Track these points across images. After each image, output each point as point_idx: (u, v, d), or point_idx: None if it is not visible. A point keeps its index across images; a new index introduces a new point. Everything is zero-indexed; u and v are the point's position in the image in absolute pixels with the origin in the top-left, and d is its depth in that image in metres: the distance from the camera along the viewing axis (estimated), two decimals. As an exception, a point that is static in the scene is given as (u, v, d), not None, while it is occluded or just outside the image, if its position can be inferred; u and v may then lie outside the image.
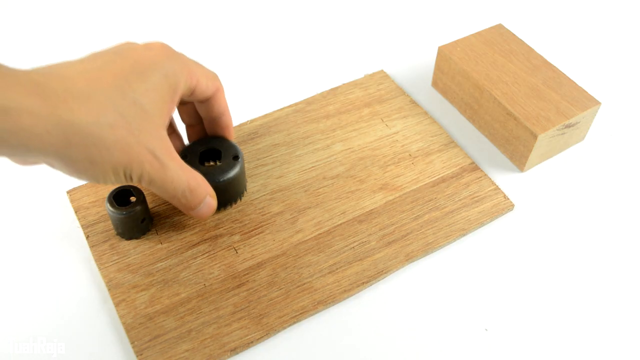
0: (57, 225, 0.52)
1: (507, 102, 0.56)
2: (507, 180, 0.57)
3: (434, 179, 0.55)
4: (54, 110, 0.35)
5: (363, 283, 0.48)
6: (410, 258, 0.50)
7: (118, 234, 0.50)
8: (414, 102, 0.62)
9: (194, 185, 0.44)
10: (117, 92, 0.38)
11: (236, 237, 0.50)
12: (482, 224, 0.53)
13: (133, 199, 0.49)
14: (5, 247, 0.50)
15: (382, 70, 0.65)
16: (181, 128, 0.53)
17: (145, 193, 0.52)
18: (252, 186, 0.54)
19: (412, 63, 0.68)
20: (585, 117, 0.57)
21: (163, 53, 0.42)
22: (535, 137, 0.54)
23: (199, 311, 0.46)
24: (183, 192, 0.43)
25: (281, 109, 0.61)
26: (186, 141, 0.53)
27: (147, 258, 0.49)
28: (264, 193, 0.54)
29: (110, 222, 0.50)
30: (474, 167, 0.56)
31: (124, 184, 0.40)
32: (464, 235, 0.52)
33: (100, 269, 0.48)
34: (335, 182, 0.55)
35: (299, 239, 0.50)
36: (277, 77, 0.66)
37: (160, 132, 0.41)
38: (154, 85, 0.40)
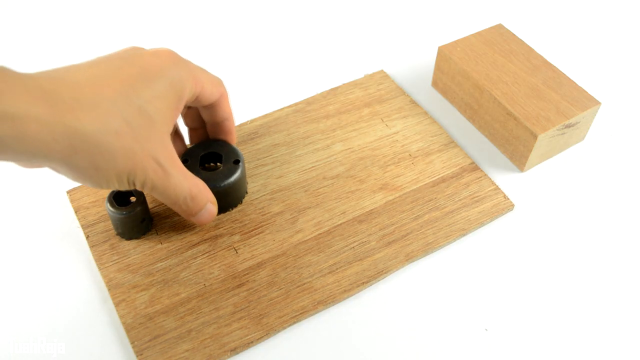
0: (57, 225, 0.52)
1: (507, 102, 0.56)
2: (507, 180, 0.57)
3: (434, 179, 0.55)
4: (61, 118, 0.35)
5: (363, 283, 0.48)
6: (410, 258, 0.50)
7: (118, 234, 0.50)
8: (414, 102, 0.62)
9: (195, 192, 0.44)
10: (123, 98, 0.38)
11: (236, 237, 0.50)
12: (482, 224, 0.53)
13: (133, 199, 0.49)
14: (5, 247, 0.50)
15: (382, 70, 0.65)
16: (184, 130, 0.53)
17: (145, 193, 0.52)
18: (252, 186, 0.54)
19: (412, 63, 0.68)
20: (585, 117, 0.57)
21: (169, 60, 0.43)
22: (535, 137, 0.54)
23: (199, 311, 0.46)
24: (185, 199, 0.44)
25: (281, 109, 0.61)
26: (187, 142, 0.53)
27: (147, 258, 0.49)
28: (264, 193, 0.54)
29: (110, 222, 0.50)
30: (474, 167, 0.56)
31: (127, 189, 0.41)
32: (464, 235, 0.52)
33: (100, 269, 0.48)
34: (335, 182, 0.55)
35: (299, 239, 0.51)
36: (277, 77, 0.66)
37: (165, 139, 0.41)
38: (160, 93, 0.41)
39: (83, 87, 0.37)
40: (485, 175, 0.56)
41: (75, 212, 0.52)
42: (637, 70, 0.69)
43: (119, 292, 0.47)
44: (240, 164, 0.50)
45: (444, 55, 0.61)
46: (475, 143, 0.60)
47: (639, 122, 0.63)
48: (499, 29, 0.64)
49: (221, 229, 0.51)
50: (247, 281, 0.48)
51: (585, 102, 0.56)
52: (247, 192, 0.53)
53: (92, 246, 0.49)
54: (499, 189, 0.55)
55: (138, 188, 0.41)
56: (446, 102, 0.64)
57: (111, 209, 0.47)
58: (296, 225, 0.51)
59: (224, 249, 0.50)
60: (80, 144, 0.36)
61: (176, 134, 0.50)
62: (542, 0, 0.78)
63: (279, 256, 0.49)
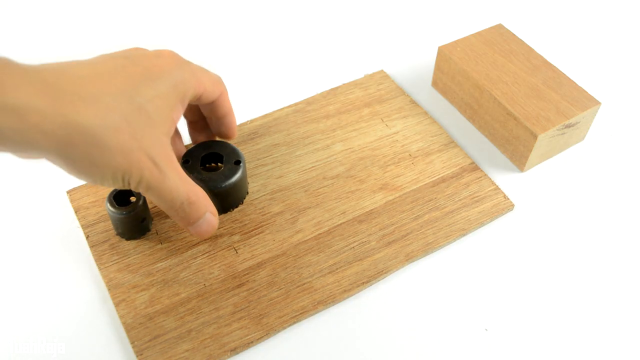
0: (57, 225, 0.52)
1: (507, 102, 0.56)
2: (507, 180, 0.57)
3: (434, 179, 0.55)
4: (61, 110, 0.35)
5: (363, 283, 0.48)
6: (410, 258, 0.50)
7: (118, 234, 0.50)
8: (414, 102, 0.62)
9: (193, 199, 0.43)
10: (124, 97, 0.38)
11: (236, 237, 0.50)
12: (482, 224, 0.53)
13: (133, 199, 0.49)
14: (5, 247, 0.50)
15: (382, 70, 0.65)
16: (184, 133, 0.53)
17: (145, 193, 0.52)
18: (252, 186, 0.54)
19: (412, 63, 0.68)
20: (585, 117, 0.57)
21: (173, 62, 0.43)
22: (535, 137, 0.54)
23: (199, 311, 0.46)
24: (182, 203, 0.42)
25: (281, 109, 0.61)
26: (186, 136, 0.53)
27: (147, 258, 0.49)
28: (264, 193, 0.54)
29: (110, 222, 0.50)
30: (474, 167, 0.56)
31: (122, 188, 0.40)
32: (464, 235, 0.52)
33: (100, 269, 0.48)
34: (335, 182, 0.55)
35: (299, 239, 0.51)
36: (277, 77, 0.66)
37: (163, 140, 0.41)
38: (162, 94, 0.41)
39: (85, 81, 0.37)
40: (485, 175, 0.56)
41: (75, 212, 0.52)
42: (637, 70, 0.69)
43: (119, 292, 0.47)
44: (241, 164, 0.50)
45: (444, 55, 0.61)
46: (475, 143, 0.60)
47: (639, 122, 0.63)
48: (499, 29, 0.64)
49: (221, 229, 0.51)
50: (247, 281, 0.48)
51: (585, 102, 0.56)
52: (247, 193, 0.53)
53: (92, 246, 0.49)
54: (499, 189, 0.55)
55: (133, 188, 0.40)
56: (446, 102, 0.64)
57: (111, 209, 0.47)
58: (296, 225, 0.51)
59: (224, 249, 0.50)
60: (78, 137, 0.36)
61: (176, 134, 0.50)
62: (542, 0, 0.78)
63: (279, 256, 0.49)
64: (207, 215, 0.44)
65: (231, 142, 0.57)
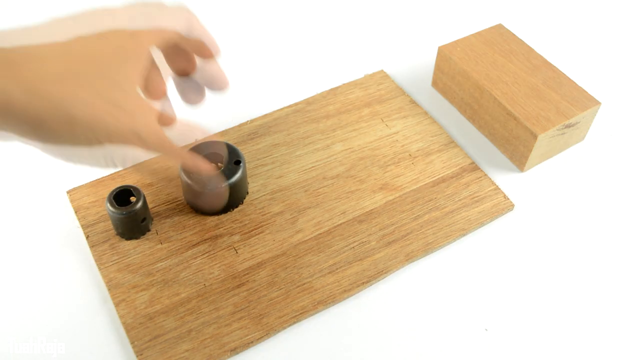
0: (57, 225, 0.52)
1: (507, 102, 0.56)
2: (507, 180, 0.57)
3: (434, 179, 0.55)
4: (29, 88, 0.34)
5: (363, 283, 0.48)
6: (410, 258, 0.50)
7: (118, 234, 0.50)
8: (414, 102, 0.62)
9: (187, 157, 0.41)
10: (95, 72, 0.37)
11: (236, 237, 0.50)
12: (482, 224, 0.53)
13: (133, 199, 0.49)
14: (5, 247, 0.50)
15: (382, 70, 0.65)
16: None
17: (145, 193, 0.52)
18: (252, 186, 0.54)
19: (412, 63, 0.68)
20: (585, 117, 0.57)
21: (148, 40, 0.41)
22: (535, 137, 0.54)
23: (199, 311, 0.46)
24: (167, 165, 0.41)
25: (281, 109, 0.61)
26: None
27: (147, 258, 0.49)
28: (264, 193, 0.54)
29: (110, 222, 0.50)
30: (474, 167, 0.56)
31: (103, 166, 0.39)
32: (464, 235, 0.52)
33: (100, 269, 0.48)
34: (335, 182, 0.55)
35: (299, 239, 0.50)
36: (277, 77, 0.66)
37: (142, 109, 0.39)
38: (136, 70, 0.39)
39: (55, 61, 0.36)
40: (485, 175, 0.56)
41: (75, 212, 0.52)
42: (637, 70, 0.69)
43: (119, 292, 0.47)
44: (241, 164, 0.50)
45: (444, 55, 0.61)
46: (475, 143, 0.60)
47: (639, 122, 0.63)
48: (499, 29, 0.64)
49: (221, 229, 0.51)
50: (247, 281, 0.48)
51: (585, 102, 0.56)
52: (247, 193, 0.53)
53: (92, 246, 0.49)
54: (499, 189, 0.55)
55: (115, 164, 0.39)
56: (446, 102, 0.64)
57: (111, 209, 0.47)
58: (296, 225, 0.51)
59: (224, 249, 0.50)
60: (48, 114, 0.35)
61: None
62: (542, 0, 0.78)
63: (279, 256, 0.49)
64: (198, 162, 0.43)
65: (231, 142, 0.57)
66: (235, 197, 0.52)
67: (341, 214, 0.52)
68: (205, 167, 0.43)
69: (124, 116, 0.38)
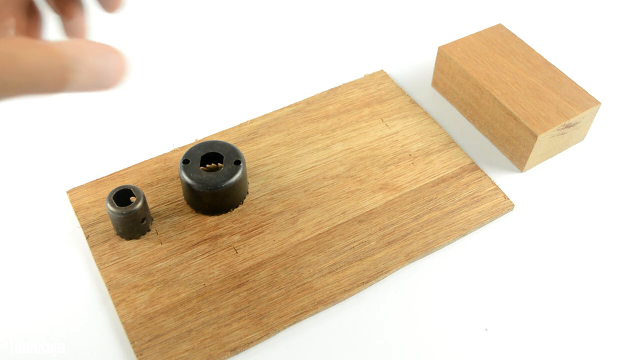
0: (57, 225, 0.52)
1: (507, 102, 0.56)
2: (507, 180, 0.57)
3: (434, 179, 0.55)
4: None
5: (363, 283, 0.48)
6: (410, 258, 0.50)
7: (118, 234, 0.50)
8: (414, 102, 0.62)
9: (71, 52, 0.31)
10: None
11: (236, 237, 0.50)
12: (482, 224, 0.53)
13: (133, 199, 0.49)
14: (5, 247, 0.50)
15: (382, 70, 0.65)
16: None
17: (145, 193, 0.52)
18: (252, 186, 0.54)
19: (412, 63, 0.68)
20: (585, 117, 0.57)
21: None
22: (535, 137, 0.54)
23: (199, 311, 0.46)
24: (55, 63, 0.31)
25: (281, 109, 0.61)
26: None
27: (147, 258, 0.49)
28: (264, 193, 0.54)
29: (110, 222, 0.50)
30: (474, 167, 0.56)
31: None
32: (464, 235, 0.52)
33: (100, 269, 0.48)
34: (335, 182, 0.55)
35: (299, 239, 0.51)
36: (277, 77, 0.66)
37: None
38: None
39: None
40: (485, 175, 0.56)
41: (75, 212, 0.52)
42: (637, 70, 0.69)
43: (119, 292, 0.47)
44: (242, 164, 0.50)
45: (444, 55, 0.61)
46: (475, 143, 0.60)
47: (639, 122, 0.63)
48: (499, 29, 0.64)
49: (221, 229, 0.51)
50: (247, 281, 0.48)
51: (585, 102, 0.56)
52: (247, 192, 0.54)
53: (92, 246, 0.49)
54: (499, 189, 0.55)
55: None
56: (446, 102, 0.64)
57: (111, 208, 0.47)
58: (296, 225, 0.51)
59: (224, 249, 0.50)
60: None
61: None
62: (542, 0, 0.78)
63: (279, 256, 0.49)
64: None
65: (231, 142, 0.57)
66: (236, 197, 0.52)
67: (341, 214, 0.52)
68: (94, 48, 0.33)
69: None
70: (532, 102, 0.56)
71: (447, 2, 0.77)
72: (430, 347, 0.46)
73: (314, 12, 0.75)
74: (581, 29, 0.74)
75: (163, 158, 0.56)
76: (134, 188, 0.48)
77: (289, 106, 0.61)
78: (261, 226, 0.51)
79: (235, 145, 0.56)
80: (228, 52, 0.69)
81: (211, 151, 0.51)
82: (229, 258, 0.49)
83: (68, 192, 0.53)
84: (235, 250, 0.50)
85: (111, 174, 0.54)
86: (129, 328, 0.45)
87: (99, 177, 0.54)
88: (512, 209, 0.54)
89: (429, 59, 0.68)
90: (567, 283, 0.50)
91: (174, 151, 0.56)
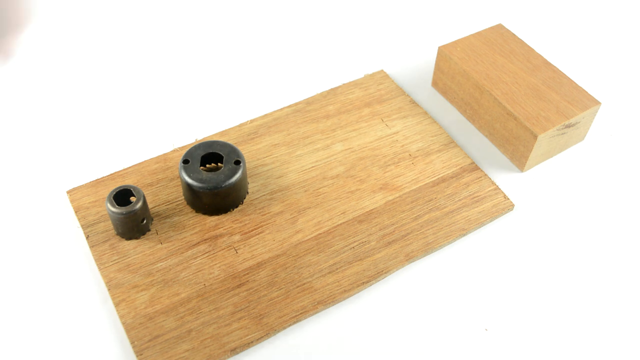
0: (57, 225, 0.52)
1: (507, 102, 0.56)
2: (507, 180, 0.57)
3: (434, 179, 0.55)
4: None
5: (363, 283, 0.48)
6: (410, 258, 0.50)
7: (118, 234, 0.50)
8: (414, 102, 0.62)
9: None
10: None
11: (236, 237, 0.50)
12: (482, 224, 0.53)
13: (133, 199, 0.49)
14: (5, 247, 0.50)
15: (382, 70, 0.65)
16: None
17: (145, 193, 0.52)
18: (252, 186, 0.54)
19: (412, 63, 0.68)
20: (585, 117, 0.57)
21: None
22: (535, 137, 0.54)
23: (199, 311, 0.46)
24: None
25: (281, 109, 0.61)
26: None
27: (147, 258, 0.49)
28: (264, 193, 0.54)
29: (110, 222, 0.50)
30: (474, 167, 0.56)
31: None
32: (464, 235, 0.52)
33: (100, 269, 0.48)
34: (335, 182, 0.55)
35: (299, 239, 0.51)
36: (277, 77, 0.66)
37: None
38: None
39: None
40: (485, 175, 0.56)
41: (75, 212, 0.52)
42: (637, 70, 0.69)
43: (119, 292, 0.47)
44: (242, 164, 0.50)
45: (444, 55, 0.61)
46: (475, 143, 0.60)
47: (639, 122, 0.63)
48: (499, 29, 0.64)
49: (221, 229, 0.51)
50: (247, 281, 0.48)
51: (585, 102, 0.56)
52: (247, 192, 0.54)
53: (92, 246, 0.49)
54: (499, 189, 0.55)
55: None
56: (446, 102, 0.64)
57: (111, 209, 0.47)
58: (296, 225, 0.51)
59: (224, 249, 0.50)
60: None
61: None
62: (542, 0, 0.78)
63: (279, 256, 0.49)
64: None
65: (231, 142, 0.57)
66: (236, 197, 0.52)
67: (341, 214, 0.52)
68: None
69: None
70: (532, 102, 0.56)
71: (447, 2, 0.77)
72: (430, 347, 0.46)
73: (314, 12, 0.75)
74: (581, 29, 0.74)
75: (163, 158, 0.56)
76: (134, 188, 0.48)
77: (289, 106, 0.61)
78: (261, 226, 0.51)
79: (235, 145, 0.56)
80: (228, 52, 0.69)
81: (211, 151, 0.51)
82: (229, 258, 0.49)
83: (68, 192, 0.53)
84: (235, 250, 0.50)
85: (111, 174, 0.54)
86: (129, 328, 0.45)
87: (99, 177, 0.54)
88: (512, 209, 0.54)
89: (429, 59, 0.68)
90: (566, 283, 0.50)
91: (174, 151, 0.56)
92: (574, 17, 0.75)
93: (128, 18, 0.73)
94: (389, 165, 0.56)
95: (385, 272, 0.49)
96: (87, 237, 0.50)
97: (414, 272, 0.50)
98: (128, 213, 0.47)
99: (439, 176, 0.56)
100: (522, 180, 0.57)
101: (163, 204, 0.52)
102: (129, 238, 0.50)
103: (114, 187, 0.51)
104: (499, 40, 0.62)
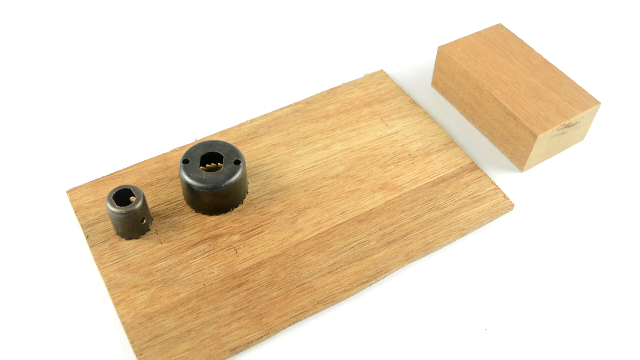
0: (57, 225, 0.52)
1: (507, 102, 0.56)
2: (507, 180, 0.57)
3: (434, 179, 0.55)
4: None
5: (363, 283, 0.48)
6: (410, 258, 0.50)
7: (118, 234, 0.50)
8: (414, 102, 0.62)
9: None
10: None
11: (236, 237, 0.50)
12: (482, 224, 0.53)
13: (133, 199, 0.49)
14: (5, 247, 0.50)
15: (382, 70, 0.65)
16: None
17: (145, 193, 0.52)
18: (252, 186, 0.54)
19: (412, 63, 0.68)
20: (585, 117, 0.57)
21: None
22: (535, 137, 0.54)
23: (199, 311, 0.46)
24: None
25: (281, 109, 0.61)
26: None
27: (147, 258, 0.49)
28: (264, 193, 0.54)
29: (110, 222, 0.50)
30: (474, 167, 0.56)
31: None
32: (464, 235, 0.52)
33: (100, 269, 0.48)
34: (335, 182, 0.55)
35: (299, 239, 0.51)
36: (277, 77, 0.66)
37: None
38: None
39: None
40: (485, 175, 0.56)
41: (75, 212, 0.52)
42: (637, 70, 0.69)
43: (119, 292, 0.47)
44: (242, 164, 0.50)
45: (444, 55, 0.61)
46: (475, 143, 0.60)
47: (639, 122, 0.63)
48: (499, 29, 0.64)
49: (221, 229, 0.51)
50: (247, 281, 0.48)
51: (585, 102, 0.56)
52: (247, 192, 0.54)
53: (92, 246, 0.49)
54: (499, 189, 0.55)
55: None
56: (446, 102, 0.64)
57: (111, 209, 0.47)
58: (296, 225, 0.51)
59: (224, 249, 0.50)
60: None
61: None
62: (542, 0, 0.78)
63: (279, 256, 0.49)
64: None
65: (231, 142, 0.57)
66: (236, 197, 0.52)
67: (341, 214, 0.52)
68: None
69: None
70: (532, 102, 0.56)
71: (447, 2, 0.77)
72: (430, 347, 0.46)
73: (314, 12, 0.75)
74: (581, 29, 0.74)
75: (163, 158, 0.56)
76: (134, 188, 0.49)
77: (289, 106, 0.61)
78: (261, 226, 0.51)
79: (235, 145, 0.56)
80: (228, 52, 0.69)
81: (211, 151, 0.51)
82: (229, 258, 0.49)
83: (68, 192, 0.53)
84: (235, 250, 0.50)
85: (111, 174, 0.54)
86: (129, 328, 0.45)
87: (99, 177, 0.54)
88: (512, 209, 0.54)
89: (429, 59, 0.68)
90: (566, 283, 0.50)
91: (174, 151, 0.56)
92: (574, 17, 0.75)
93: (128, 18, 0.73)
94: (389, 165, 0.56)
95: (385, 272, 0.49)
96: (87, 237, 0.50)
97: (414, 272, 0.50)
98: (128, 213, 0.47)
99: (439, 176, 0.56)
100: (522, 180, 0.57)
101: (163, 204, 0.52)
102: (129, 238, 0.50)
103: (114, 187, 0.51)
104: (499, 40, 0.62)
